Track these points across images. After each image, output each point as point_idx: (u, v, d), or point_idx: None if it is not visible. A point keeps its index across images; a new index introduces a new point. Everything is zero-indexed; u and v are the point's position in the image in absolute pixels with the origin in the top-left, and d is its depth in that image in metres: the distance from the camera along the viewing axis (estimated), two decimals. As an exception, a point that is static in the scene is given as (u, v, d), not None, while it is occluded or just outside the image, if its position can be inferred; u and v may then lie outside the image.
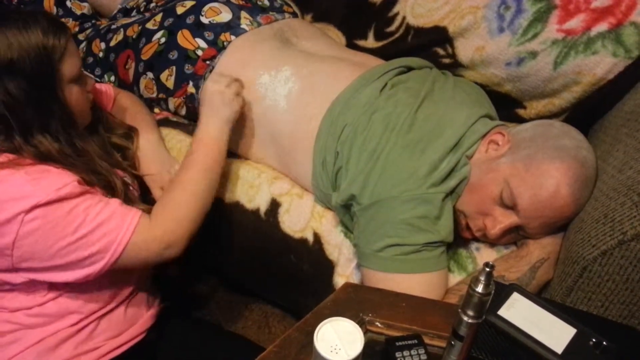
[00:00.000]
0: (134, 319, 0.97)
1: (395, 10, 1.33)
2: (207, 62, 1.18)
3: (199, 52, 1.18)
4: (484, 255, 0.98)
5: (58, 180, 0.82)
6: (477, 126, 1.00)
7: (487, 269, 0.55)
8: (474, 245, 0.99)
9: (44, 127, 0.84)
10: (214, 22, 1.20)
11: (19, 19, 0.82)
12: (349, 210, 0.99)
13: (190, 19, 1.21)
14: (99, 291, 0.92)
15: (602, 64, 1.07)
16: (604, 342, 0.67)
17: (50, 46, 0.82)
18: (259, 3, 1.29)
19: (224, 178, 1.12)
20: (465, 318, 0.59)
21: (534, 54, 1.14)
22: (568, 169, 0.90)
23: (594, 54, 1.08)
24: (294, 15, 1.35)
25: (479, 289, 0.56)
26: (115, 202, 0.87)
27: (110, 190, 0.92)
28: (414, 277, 0.90)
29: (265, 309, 1.43)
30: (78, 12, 1.48)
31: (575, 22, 1.10)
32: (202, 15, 1.21)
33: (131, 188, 1.01)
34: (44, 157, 0.84)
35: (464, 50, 1.23)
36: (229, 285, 1.47)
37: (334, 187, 1.01)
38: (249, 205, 1.10)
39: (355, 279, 0.99)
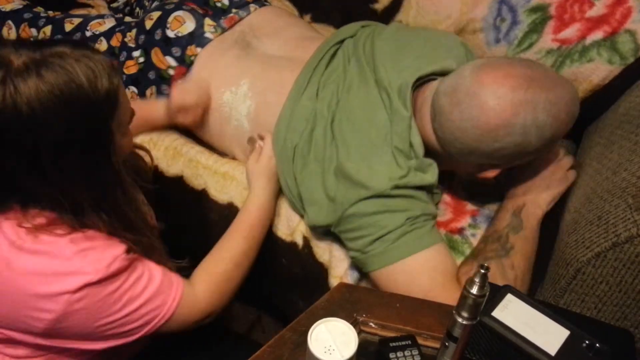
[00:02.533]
0: None
1: (397, 19, 1.35)
2: (180, 81, 1.17)
3: (171, 72, 1.18)
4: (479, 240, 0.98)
5: (107, 253, 0.74)
6: (397, 117, 0.93)
7: (482, 271, 0.55)
8: (469, 232, 1.00)
9: (97, 204, 0.74)
10: (179, 34, 1.18)
11: (63, 67, 0.66)
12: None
13: (158, 34, 1.20)
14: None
15: (598, 71, 1.09)
16: (597, 344, 0.67)
17: (104, 99, 0.69)
18: (218, 5, 1.27)
19: (221, 178, 1.12)
20: (460, 319, 0.59)
21: None
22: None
23: (589, 62, 1.09)
24: (260, 2, 1.29)
25: (474, 290, 0.57)
26: (158, 274, 0.81)
27: (150, 249, 0.84)
28: (417, 258, 0.88)
29: (259, 310, 1.42)
30: (7, 9, 1.32)
31: (571, 32, 1.11)
32: (168, 28, 1.19)
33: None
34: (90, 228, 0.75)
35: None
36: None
37: (302, 209, 1.01)
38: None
39: (349, 279, 0.99)
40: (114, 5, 1.49)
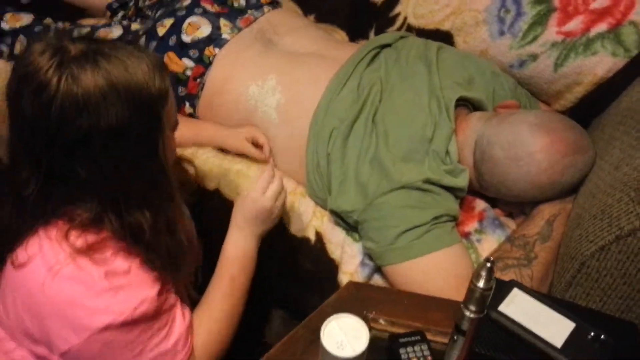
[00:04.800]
0: None
1: (396, 10, 1.35)
2: (198, 79, 1.19)
3: (188, 73, 1.20)
4: (485, 246, 0.99)
5: (137, 294, 0.73)
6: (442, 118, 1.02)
7: (488, 264, 0.57)
8: (474, 237, 1.01)
9: (144, 199, 0.73)
10: (196, 38, 1.20)
11: (119, 59, 0.67)
12: (344, 221, 1.03)
13: (172, 40, 1.21)
14: None
15: (602, 64, 1.09)
16: (602, 336, 0.69)
17: (156, 94, 0.69)
18: (235, 5, 1.29)
19: (234, 177, 1.13)
20: (467, 313, 0.61)
21: (534, 57, 1.16)
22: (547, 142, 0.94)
23: (593, 55, 1.10)
24: (273, 4, 1.33)
25: (480, 284, 0.58)
26: (178, 329, 0.79)
27: (174, 268, 0.81)
28: (436, 256, 0.92)
29: (269, 308, 1.43)
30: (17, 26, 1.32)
31: (575, 24, 1.11)
32: (183, 34, 1.21)
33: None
34: (132, 233, 0.73)
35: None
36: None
37: (329, 191, 1.04)
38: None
39: (360, 277, 1.01)
40: (115, 19, 1.49)
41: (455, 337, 0.64)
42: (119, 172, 0.70)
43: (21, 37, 1.31)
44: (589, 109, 1.15)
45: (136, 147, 0.70)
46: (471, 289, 0.59)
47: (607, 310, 0.83)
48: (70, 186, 0.70)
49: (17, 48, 1.31)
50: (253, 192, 0.93)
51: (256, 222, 0.93)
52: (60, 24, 1.37)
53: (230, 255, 0.92)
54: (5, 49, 1.32)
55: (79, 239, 0.72)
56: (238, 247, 0.93)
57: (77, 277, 0.71)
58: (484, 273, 0.58)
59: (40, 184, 0.69)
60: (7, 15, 1.31)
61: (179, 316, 0.81)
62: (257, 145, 1.15)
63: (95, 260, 0.71)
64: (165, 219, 0.76)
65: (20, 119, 0.69)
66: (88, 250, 0.71)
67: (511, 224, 1.04)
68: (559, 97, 1.18)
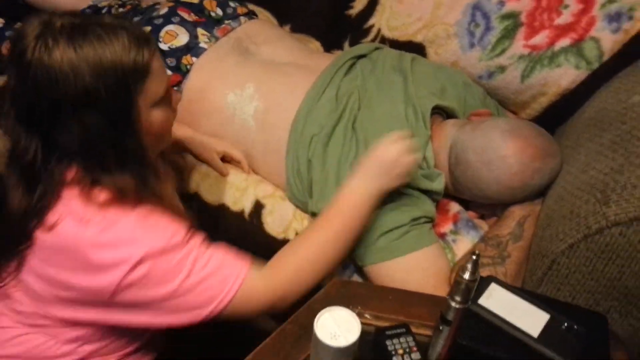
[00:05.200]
0: None
1: (371, 22, 1.40)
2: (175, 88, 1.20)
3: None
4: (460, 245, 1.04)
5: (170, 227, 0.78)
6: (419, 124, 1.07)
7: (474, 257, 0.61)
8: (450, 237, 1.05)
9: (121, 164, 0.77)
10: (173, 46, 1.21)
11: (96, 34, 0.71)
12: None
13: None
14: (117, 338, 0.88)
15: (566, 76, 1.16)
16: (575, 326, 0.74)
17: (130, 69, 0.72)
18: (212, 15, 1.30)
19: (214, 181, 1.15)
20: (453, 304, 0.64)
21: (502, 68, 1.22)
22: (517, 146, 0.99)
23: (558, 67, 1.17)
24: (249, 15, 1.36)
25: (466, 275, 0.62)
26: (222, 251, 0.81)
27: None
28: (416, 255, 0.95)
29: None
30: None
31: (540, 38, 1.18)
32: (161, 42, 1.22)
33: None
34: (121, 193, 0.77)
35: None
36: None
37: (310, 194, 1.06)
38: (234, 207, 1.13)
39: (342, 277, 1.03)
40: None
41: (440, 327, 0.67)
42: (94, 137, 0.73)
43: None
44: (553, 118, 1.21)
45: (106, 118, 0.73)
46: (457, 280, 0.63)
47: (577, 304, 0.88)
48: (60, 150, 0.75)
49: None
50: (382, 142, 0.91)
51: (379, 172, 0.91)
52: None
53: (343, 197, 0.91)
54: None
55: (100, 195, 0.76)
56: (353, 191, 0.91)
57: (108, 221, 0.75)
58: (469, 265, 0.61)
59: (36, 149, 0.74)
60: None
61: (213, 245, 0.82)
62: (232, 161, 1.17)
63: (119, 207, 0.76)
64: (147, 183, 0.79)
65: (10, 83, 0.74)
66: (112, 202, 0.75)
67: (484, 226, 1.08)
68: (525, 107, 1.25)
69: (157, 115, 0.79)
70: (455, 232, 1.06)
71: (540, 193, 1.03)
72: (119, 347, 0.88)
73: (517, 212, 1.02)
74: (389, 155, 0.90)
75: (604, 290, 0.86)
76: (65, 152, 0.75)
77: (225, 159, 1.18)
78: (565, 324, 0.74)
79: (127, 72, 0.72)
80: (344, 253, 0.90)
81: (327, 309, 0.66)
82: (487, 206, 1.09)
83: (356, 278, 1.02)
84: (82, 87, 0.70)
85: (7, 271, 0.81)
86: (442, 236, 1.05)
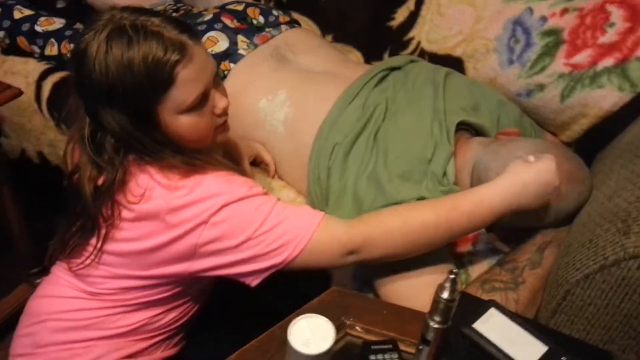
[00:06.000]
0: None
1: (411, 34, 1.39)
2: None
3: None
4: (476, 268, 1.00)
5: (248, 182, 0.86)
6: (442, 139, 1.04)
7: (452, 276, 0.59)
8: (466, 259, 1.02)
9: (159, 152, 0.82)
10: (213, 52, 1.25)
11: (129, 35, 0.75)
12: None
13: None
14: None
15: (609, 98, 1.10)
16: (573, 362, 0.69)
17: (149, 78, 0.76)
18: (254, 22, 1.34)
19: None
20: (432, 323, 0.62)
21: (542, 87, 1.18)
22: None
23: (599, 88, 1.11)
24: (291, 24, 1.38)
25: (444, 295, 0.60)
26: (300, 206, 0.89)
27: None
28: (424, 272, 0.93)
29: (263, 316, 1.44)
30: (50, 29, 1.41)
31: (582, 57, 1.13)
32: None
33: None
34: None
35: (476, 80, 1.27)
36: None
37: (327, 203, 1.06)
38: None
39: (352, 288, 1.02)
40: None
41: (420, 347, 0.65)
42: (123, 131, 0.79)
43: (52, 40, 1.39)
44: (595, 142, 1.15)
45: (128, 117, 0.79)
46: (436, 300, 0.61)
47: (591, 340, 0.83)
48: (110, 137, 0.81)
49: (48, 50, 1.39)
50: (548, 161, 0.87)
51: (528, 190, 0.86)
52: None
53: (472, 193, 0.88)
54: (37, 49, 1.40)
55: (176, 169, 0.83)
56: (485, 193, 0.86)
57: (193, 183, 0.82)
58: (447, 285, 0.59)
59: (90, 131, 0.81)
60: (41, 19, 1.40)
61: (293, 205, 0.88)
62: (261, 163, 1.19)
63: (199, 172, 0.83)
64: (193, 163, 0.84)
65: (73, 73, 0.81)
66: (189, 171, 0.83)
67: (504, 249, 1.04)
68: (565, 128, 1.19)
69: (185, 121, 0.82)
70: (472, 253, 1.02)
71: (566, 220, 0.98)
72: (164, 324, 0.95)
73: (538, 238, 0.97)
74: (550, 178, 0.87)
75: (620, 327, 0.80)
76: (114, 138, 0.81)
77: (255, 160, 1.20)
78: (563, 358, 0.70)
79: (145, 81, 0.76)
80: (436, 244, 0.88)
81: (305, 315, 0.66)
82: (509, 229, 1.04)
83: (366, 292, 1.01)
84: (106, 86, 0.76)
85: (87, 250, 0.88)
86: (459, 256, 1.02)
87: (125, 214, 0.83)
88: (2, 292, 1.33)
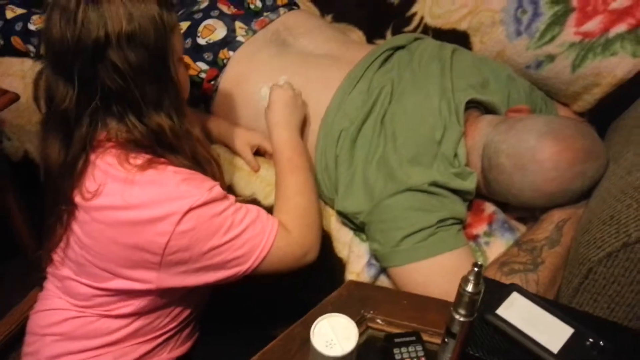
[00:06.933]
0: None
1: (413, 10, 1.35)
2: (212, 82, 1.21)
3: (202, 75, 1.22)
4: (493, 249, 0.98)
5: (207, 181, 0.84)
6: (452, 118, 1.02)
7: (476, 269, 0.57)
8: (483, 240, 1.00)
9: (158, 104, 0.82)
10: (211, 41, 1.22)
11: None
12: (351, 222, 1.03)
13: (187, 43, 1.23)
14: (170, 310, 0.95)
15: (622, 65, 1.07)
16: (601, 342, 0.68)
17: (166, 19, 0.80)
18: (252, 7, 1.30)
19: (246, 174, 1.15)
20: (457, 317, 0.61)
21: (552, 57, 1.14)
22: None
23: (612, 55, 1.07)
24: (289, 6, 1.34)
25: (469, 288, 0.58)
26: (254, 207, 0.89)
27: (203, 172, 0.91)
28: (441, 259, 0.91)
29: (275, 304, 1.43)
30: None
31: (593, 24, 1.09)
32: (199, 37, 1.23)
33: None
34: (156, 136, 0.82)
35: (484, 54, 1.23)
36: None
37: (337, 191, 1.04)
38: (265, 201, 1.13)
39: (366, 277, 1.01)
40: None
41: (446, 340, 0.64)
42: (136, 76, 0.78)
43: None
44: (608, 111, 1.12)
45: (152, 58, 0.79)
46: (460, 292, 0.59)
47: (615, 318, 0.82)
48: (98, 98, 0.79)
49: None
50: (272, 91, 1.07)
51: (287, 112, 1.05)
52: None
53: (278, 146, 1.03)
54: (32, 48, 1.37)
55: (136, 160, 0.81)
56: (281, 137, 1.03)
57: (150, 179, 0.80)
58: (472, 277, 0.58)
59: (75, 97, 0.78)
60: (34, 17, 1.36)
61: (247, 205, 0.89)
62: (263, 153, 1.17)
63: (157, 168, 0.81)
64: (181, 124, 0.84)
65: (51, 39, 0.79)
66: (148, 164, 0.81)
67: (521, 228, 1.02)
68: (577, 99, 1.16)
69: (181, 69, 0.87)
70: (489, 234, 1.00)
71: (583, 196, 0.95)
72: (163, 325, 0.94)
73: (556, 215, 0.95)
74: (286, 94, 1.06)
75: (645, 304, 0.79)
76: (104, 98, 0.78)
77: (259, 151, 1.18)
78: (591, 340, 0.69)
79: (165, 21, 0.79)
80: (312, 176, 1.02)
81: (326, 315, 0.65)
82: (524, 209, 1.02)
83: (382, 279, 1.00)
84: (130, 29, 0.76)
85: (57, 253, 0.89)
86: (475, 238, 1.00)
87: (81, 210, 0.83)
88: (18, 296, 1.33)
